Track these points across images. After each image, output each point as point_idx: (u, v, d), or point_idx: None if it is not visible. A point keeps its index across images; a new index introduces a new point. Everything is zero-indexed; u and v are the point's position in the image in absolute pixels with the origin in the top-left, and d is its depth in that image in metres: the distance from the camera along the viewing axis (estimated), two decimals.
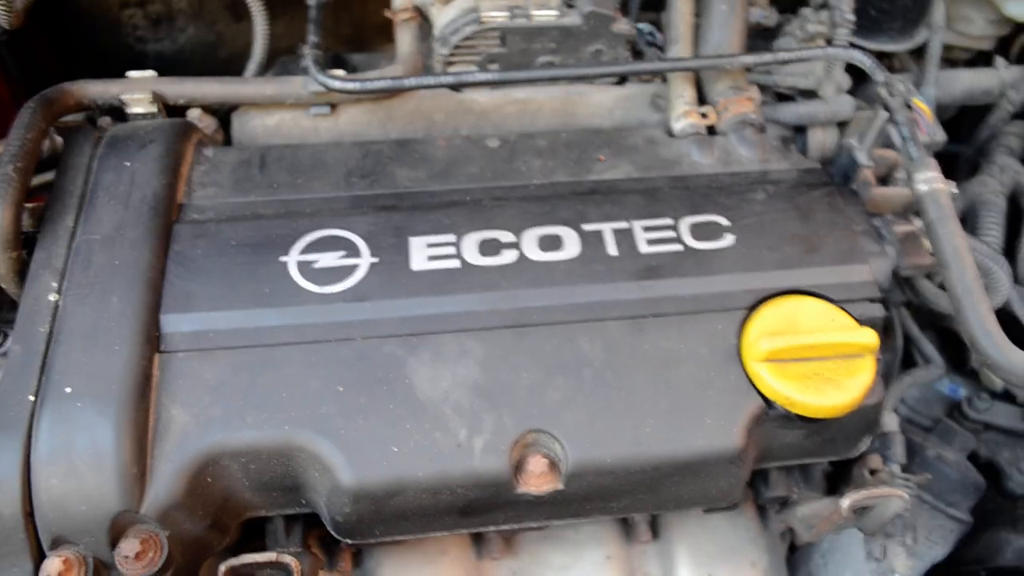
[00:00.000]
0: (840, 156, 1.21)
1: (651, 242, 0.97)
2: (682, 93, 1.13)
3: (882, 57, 1.45)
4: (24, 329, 0.86)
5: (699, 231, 0.98)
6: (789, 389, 0.88)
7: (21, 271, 0.92)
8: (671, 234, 0.98)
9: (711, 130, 1.13)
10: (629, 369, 0.89)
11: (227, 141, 1.14)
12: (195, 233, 0.94)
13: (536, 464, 0.85)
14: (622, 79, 1.20)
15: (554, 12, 1.10)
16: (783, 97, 1.26)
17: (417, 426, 0.84)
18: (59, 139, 1.04)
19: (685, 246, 0.97)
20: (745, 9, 1.17)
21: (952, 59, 1.56)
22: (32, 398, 0.82)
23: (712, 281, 0.95)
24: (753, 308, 0.94)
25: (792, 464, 1.04)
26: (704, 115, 1.11)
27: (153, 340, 0.86)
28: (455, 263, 0.93)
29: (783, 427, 0.93)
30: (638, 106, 1.18)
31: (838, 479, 1.11)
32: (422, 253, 0.93)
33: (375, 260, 0.93)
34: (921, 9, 1.41)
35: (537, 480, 0.85)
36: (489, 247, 0.95)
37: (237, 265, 0.91)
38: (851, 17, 1.21)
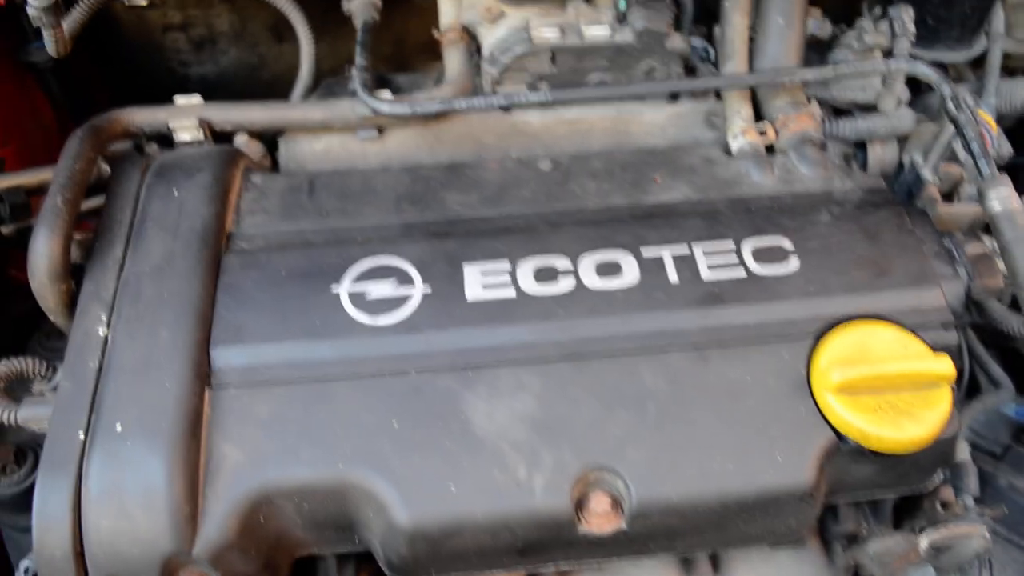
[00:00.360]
0: (904, 172, 1.16)
1: (713, 267, 0.93)
2: (739, 110, 1.10)
3: (939, 67, 1.40)
4: (73, 364, 0.85)
5: (762, 255, 0.94)
6: (863, 422, 0.84)
7: (70, 303, 0.90)
8: (733, 259, 0.94)
9: (770, 148, 1.09)
10: (694, 402, 0.86)
11: (274, 166, 1.13)
12: (245, 263, 0.92)
13: (599, 503, 0.82)
14: (674, 96, 1.17)
15: (606, 30, 1.07)
16: (840, 111, 1.22)
17: (474, 463, 0.81)
18: (105, 166, 1.03)
19: (748, 271, 0.93)
20: (803, 22, 1.13)
21: (1011, 68, 1.50)
22: (82, 436, 0.80)
23: (777, 308, 0.91)
24: (821, 336, 0.90)
25: (862, 498, 0.99)
26: (763, 133, 1.07)
27: (204, 375, 0.84)
28: (510, 292, 0.90)
29: (855, 461, 0.88)
30: (692, 124, 1.14)
31: (905, 511, 1.06)
32: (476, 282, 0.91)
33: (428, 290, 0.90)
34: (980, 17, 1.36)
35: (600, 520, 0.82)
36: (545, 275, 0.91)
37: (288, 296, 0.89)
38: (912, 28, 1.16)
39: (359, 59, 1.08)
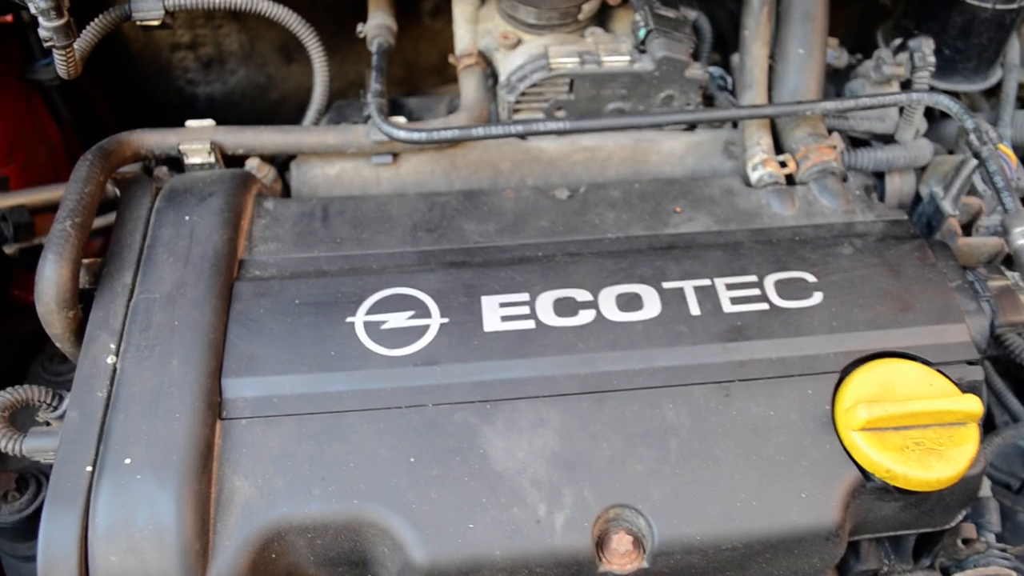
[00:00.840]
0: (923, 204, 1.15)
1: (735, 300, 0.91)
2: (758, 140, 1.08)
3: (956, 98, 1.40)
4: (81, 394, 0.82)
5: (785, 288, 0.93)
6: (890, 461, 0.82)
7: (78, 331, 0.88)
8: (756, 292, 0.92)
9: (789, 179, 1.07)
10: (717, 438, 0.84)
11: (285, 191, 1.11)
12: (257, 291, 0.90)
13: (620, 542, 0.80)
14: (692, 126, 1.16)
15: (626, 58, 1.06)
16: (857, 142, 1.21)
17: (493, 500, 0.79)
18: (114, 189, 1.01)
19: (771, 305, 0.91)
20: (823, 53, 1.12)
21: None
22: (90, 469, 0.78)
23: (801, 343, 0.89)
24: (846, 372, 0.88)
25: (884, 535, 0.97)
26: (783, 164, 1.06)
27: (215, 406, 0.82)
28: (530, 324, 0.88)
29: (880, 499, 0.87)
30: (711, 153, 1.13)
31: (924, 546, 1.04)
32: (495, 313, 0.89)
33: (445, 320, 0.88)
34: (996, 48, 1.36)
35: (621, 559, 0.80)
36: (565, 307, 0.90)
37: (302, 326, 0.87)
38: (932, 59, 1.15)
39: (374, 84, 1.07)
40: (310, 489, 0.79)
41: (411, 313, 0.89)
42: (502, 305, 0.89)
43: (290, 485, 0.79)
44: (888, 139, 1.20)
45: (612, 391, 0.85)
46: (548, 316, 0.89)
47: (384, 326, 0.88)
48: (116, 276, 0.90)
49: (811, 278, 0.94)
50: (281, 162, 1.12)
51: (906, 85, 1.20)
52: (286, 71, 1.59)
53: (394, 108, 1.22)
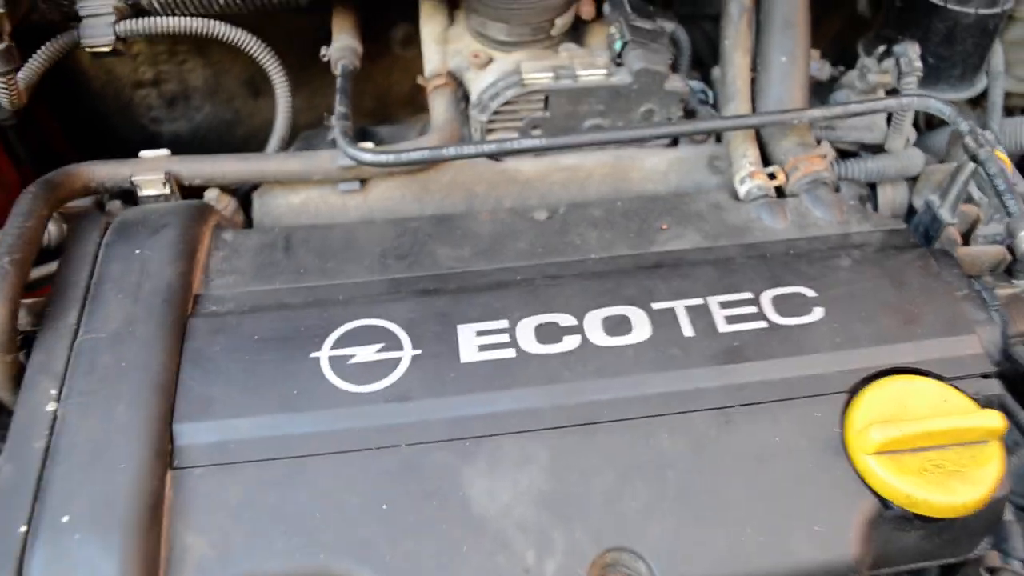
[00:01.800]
0: (920, 214, 1.10)
1: (731, 319, 0.85)
2: (744, 153, 1.03)
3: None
4: (17, 445, 0.74)
5: (783, 305, 0.87)
6: (909, 486, 0.75)
7: (16, 376, 0.80)
8: (752, 309, 0.86)
9: (779, 192, 1.02)
10: (719, 469, 0.77)
11: (248, 223, 1.05)
12: (214, 327, 0.82)
13: None
14: (674, 142, 1.11)
15: (602, 71, 1.01)
16: (844, 154, 1.17)
17: (476, 548, 0.71)
18: (67, 227, 0.94)
19: (769, 323, 0.85)
20: (807, 61, 1.08)
21: (1009, 107, 1.47)
22: (24, 529, 0.70)
23: (804, 362, 0.83)
24: (855, 391, 0.82)
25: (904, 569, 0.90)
26: (772, 176, 1.01)
27: (165, 455, 0.74)
28: (510, 352, 0.81)
29: (899, 529, 0.79)
30: (695, 169, 1.08)
31: None
32: (471, 343, 0.82)
33: (418, 352, 0.81)
34: (981, 55, 1.33)
35: None
36: (548, 333, 0.83)
37: (261, 363, 0.80)
38: (919, 64, 1.12)
39: (339, 107, 1.01)
40: (272, 543, 0.71)
41: (381, 346, 0.82)
42: (479, 333, 0.83)
43: (250, 540, 0.71)
44: (876, 149, 1.16)
45: (602, 422, 0.78)
46: (530, 343, 0.82)
47: (352, 361, 0.80)
48: (59, 316, 0.83)
49: (810, 293, 0.88)
50: (243, 193, 1.06)
51: (892, 93, 1.16)
52: (253, 106, 1.54)
53: (364, 136, 1.16)
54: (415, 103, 1.55)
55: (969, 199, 1.11)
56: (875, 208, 1.12)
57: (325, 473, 0.74)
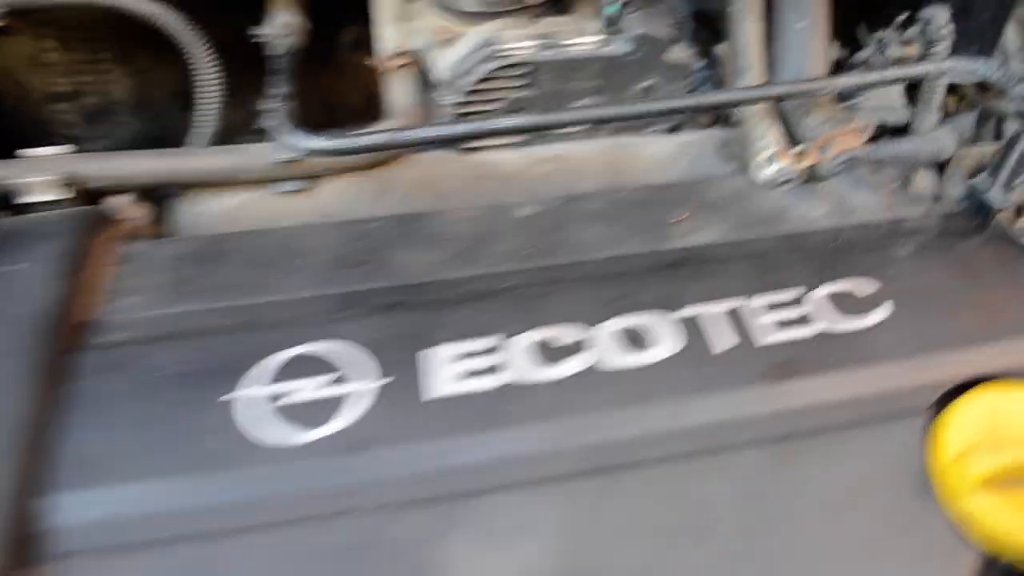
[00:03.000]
0: (968, 198, 0.94)
1: (777, 326, 0.67)
2: (765, 132, 0.87)
3: None
4: None
5: (836, 306, 0.69)
6: None
7: None
8: (800, 312, 0.68)
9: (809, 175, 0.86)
10: (779, 520, 0.58)
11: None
12: (104, 363, 0.63)
13: None
14: (674, 129, 0.94)
15: (593, 40, 0.84)
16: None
17: None
18: None
19: (824, 327, 0.67)
20: (827, 25, 0.92)
21: None
22: None
23: (871, 375, 0.66)
24: (939, 409, 0.64)
25: None
26: (800, 155, 0.84)
27: (26, 541, 0.54)
28: (497, 381, 0.62)
29: None
30: (704, 155, 0.91)
31: None
32: (448, 370, 0.63)
33: (377, 385, 0.62)
34: (998, 29, 1.20)
35: None
36: (546, 352, 0.64)
37: (167, 408, 0.60)
38: (950, 28, 0.97)
39: (278, 89, 0.83)
40: None
41: (329, 378, 0.62)
42: (457, 357, 0.64)
43: None
44: (900, 132, 1.01)
45: (624, 467, 0.59)
46: (523, 367, 0.63)
47: (290, 399, 0.61)
48: None
49: (867, 290, 0.71)
50: (161, 198, 0.87)
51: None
52: (185, 120, 1.35)
53: None
54: (369, 113, 1.38)
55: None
56: None
57: (251, 556, 0.54)
